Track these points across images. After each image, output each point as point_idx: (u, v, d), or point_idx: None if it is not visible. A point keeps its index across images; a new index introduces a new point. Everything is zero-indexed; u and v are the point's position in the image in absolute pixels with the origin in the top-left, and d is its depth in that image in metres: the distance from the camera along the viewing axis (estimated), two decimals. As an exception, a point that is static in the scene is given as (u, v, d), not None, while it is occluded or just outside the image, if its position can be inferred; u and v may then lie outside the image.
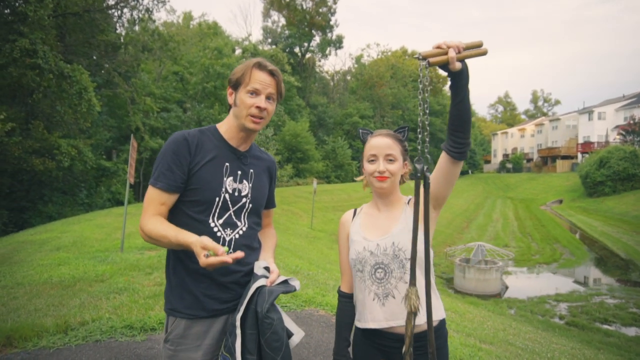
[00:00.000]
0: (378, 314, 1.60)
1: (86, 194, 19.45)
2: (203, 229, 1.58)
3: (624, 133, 36.39)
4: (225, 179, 1.64)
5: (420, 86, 1.30)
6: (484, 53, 1.33)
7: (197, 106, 30.24)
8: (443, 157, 1.50)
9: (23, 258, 6.94)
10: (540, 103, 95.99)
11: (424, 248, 1.41)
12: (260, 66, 1.65)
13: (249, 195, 1.70)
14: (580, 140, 46.88)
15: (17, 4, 14.51)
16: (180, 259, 1.62)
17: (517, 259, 16.49)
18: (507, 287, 13.48)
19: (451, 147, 1.46)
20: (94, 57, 21.93)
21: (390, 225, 1.66)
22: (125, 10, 22.02)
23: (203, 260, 1.36)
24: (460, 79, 1.33)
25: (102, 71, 22.21)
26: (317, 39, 45.15)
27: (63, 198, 18.28)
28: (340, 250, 1.83)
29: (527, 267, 15.93)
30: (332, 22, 45.19)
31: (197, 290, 1.60)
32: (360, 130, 1.78)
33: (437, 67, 1.31)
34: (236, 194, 1.66)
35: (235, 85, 1.65)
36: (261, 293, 1.52)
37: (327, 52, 46.21)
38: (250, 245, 1.70)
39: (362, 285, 1.65)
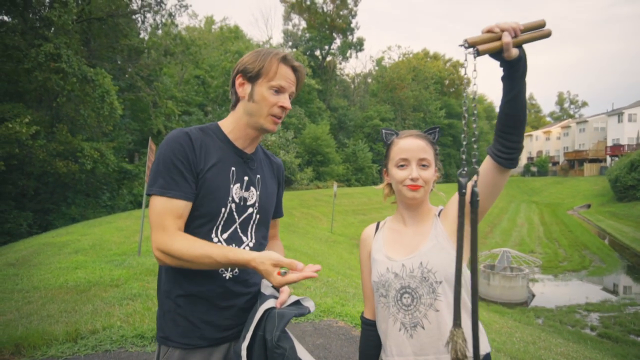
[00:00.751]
0: (405, 347, 1.36)
1: (108, 197, 19.69)
2: None
3: (656, 135, 35.02)
4: (232, 185, 1.40)
5: (465, 81, 1.05)
6: (547, 35, 1.07)
7: (218, 109, 30.42)
8: (488, 163, 1.26)
9: (42, 261, 6.94)
10: (566, 105, 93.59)
11: (453, 271, 1.19)
12: (286, 60, 1.42)
13: (257, 204, 1.48)
14: (610, 143, 45.36)
15: (42, 10, 14.80)
16: (176, 281, 1.39)
17: (544, 266, 15.91)
18: (533, 295, 12.98)
19: (499, 151, 1.21)
20: (118, 62, 22.30)
21: (419, 242, 1.42)
22: (148, 15, 22.35)
23: (279, 279, 1.16)
24: (516, 69, 1.08)
25: (126, 75, 22.55)
26: (337, 41, 44.98)
27: (86, 200, 18.54)
28: (362, 272, 1.59)
29: (554, 275, 15.34)
30: (352, 25, 44.94)
31: (193, 315, 1.37)
32: (384, 131, 1.53)
33: (487, 55, 1.06)
34: (242, 203, 1.43)
35: (253, 77, 1.40)
36: (270, 317, 1.28)
37: (348, 54, 45.97)
38: None
39: (386, 312, 1.41)
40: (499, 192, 1.31)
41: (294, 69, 1.44)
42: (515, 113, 1.14)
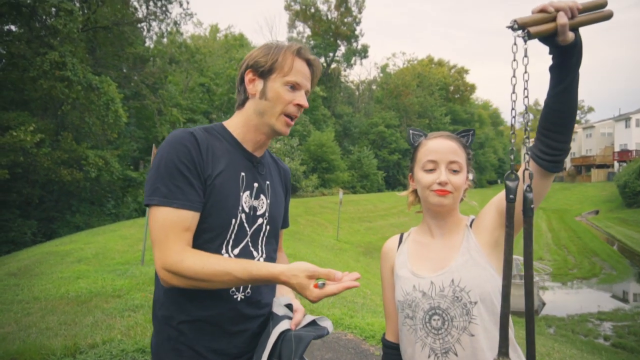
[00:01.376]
0: None
1: (113, 204, 19.65)
2: None
3: (664, 140, 34.66)
4: (241, 193, 1.24)
5: (514, 69, 0.90)
6: (609, 16, 0.92)
7: (223, 117, 30.45)
8: (530, 166, 1.10)
9: (44, 270, 6.83)
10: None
11: (496, 297, 1.04)
12: (301, 54, 1.27)
13: (266, 214, 1.31)
14: (617, 149, 44.96)
15: (48, 18, 14.86)
16: (179, 305, 1.20)
17: (554, 273, 15.63)
18: (544, 304, 12.71)
19: (543, 153, 1.06)
20: (123, 70, 22.37)
21: (448, 256, 1.26)
22: (153, 23, 22.46)
23: (316, 292, 1.01)
24: (570, 56, 0.93)
25: (131, 83, 22.60)
26: (342, 48, 45.04)
27: (90, 208, 18.51)
28: (384, 289, 1.43)
29: (564, 282, 15.06)
30: (357, 32, 45.03)
31: (200, 344, 1.19)
32: (411, 132, 1.37)
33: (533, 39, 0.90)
34: (252, 213, 1.27)
35: (266, 72, 1.24)
36: (286, 340, 1.13)
37: (353, 61, 46.00)
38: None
39: (413, 336, 1.25)
40: (542, 198, 1.14)
41: (309, 63, 1.29)
42: (564, 109, 1.00)
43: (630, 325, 10.49)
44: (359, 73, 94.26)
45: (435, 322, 1.21)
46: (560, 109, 1.00)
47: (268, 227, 1.32)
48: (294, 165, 28.16)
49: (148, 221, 1.17)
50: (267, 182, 1.34)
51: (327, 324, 1.23)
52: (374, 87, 50.12)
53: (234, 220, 1.21)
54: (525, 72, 0.88)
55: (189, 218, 1.13)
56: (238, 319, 1.23)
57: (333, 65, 44.71)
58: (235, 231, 1.22)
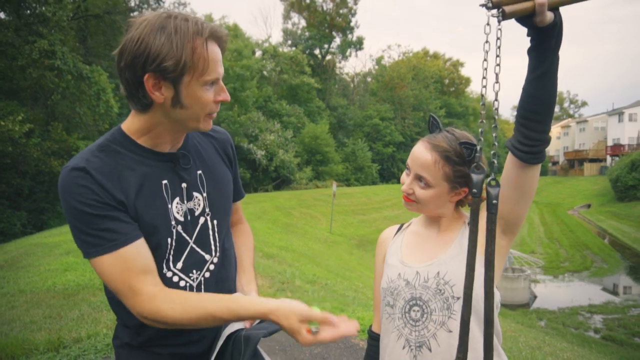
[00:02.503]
0: None
1: (105, 196, 19.52)
2: None
3: (657, 135, 34.92)
4: (169, 206, 1.07)
5: (486, 52, 0.81)
6: None
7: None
8: (509, 160, 1.03)
9: (31, 262, 6.73)
10: (566, 104, 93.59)
11: (482, 292, 0.98)
12: (214, 37, 1.00)
13: (207, 209, 1.16)
14: (610, 143, 45.27)
15: (37, 6, 14.59)
16: (130, 330, 1.14)
17: (546, 267, 15.75)
18: (535, 297, 12.80)
19: (520, 143, 0.98)
20: (115, 59, 22.11)
21: (439, 249, 1.21)
22: (146, 12, 22.14)
23: (309, 339, 0.91)
24: (549, 38, 0.86)
25: (123, 73, 22.35)
26: (337, 40, 44.77)
27: (82, 199, 18.37)
28: (376, 278, 1.38)
29: (556, 275, 15.16)
30: (352, 24, 44.75)
31: (157, 338, 1.13)
32: (430, 118, 1.25)
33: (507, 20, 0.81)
34: (189, 218, 1.11)
35: (176, 75, 0.96)
36: (236, 342, 1.06)
37: (348, 53, 45.76)
38: (224, 275, 1.20)
39: (391, 324, 1.21)
40: (531, 193, 1.07)
41: (218, 42, 1.03)
42: (542, 95, 0.92)
43: (620, 318, 10.59)
44: (354, 65, 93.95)
45: (415, 313, 1.17)
46: (539, 96, 0.93)
47: (215, 221, 1.18)
48: (288, 157, 28.06)
49: (99, 275, 1.04)
50: (199, 172, 1.16)
51: None
52: (369, 79, 49.94)
53: (169, 239, 1.08)
54: (498, 55, 0.81)
55: (135, 253, 0.99)
56: (195, 330, 1.15)
57: (328, 57, 44.49)
58: (173, 247, 1.09)
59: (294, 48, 40.90)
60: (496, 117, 0.85)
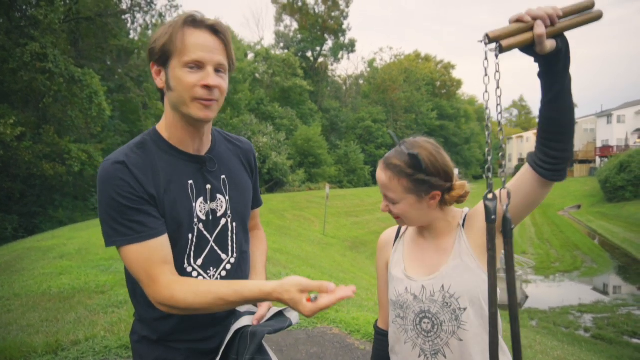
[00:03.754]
0: None
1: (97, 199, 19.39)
2: None
3: (644, 136, 35.40)
4: (194, 204, 1.16)
5: (486, 85, 0.83)
6: (597, 18, 0.86)
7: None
8: (528, 173, 1.06)
9: (25, 266, 6.71)
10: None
11: (483, 298, 1.04)
12: (195, 22, 1.07)
13: (228, 211, 1.24)
14: (599, 144, 45.82)
15: (28, 8, 14.51)
16: (149, 324, 1.21)
17: (537, 267, 15.91)
18: (527, 297, 12.93)
19: (542, 161, 1.01)
20: (107, 62, 21.99)
21: (440, 260, 1.24)
22: (138, 15, 22.06)
23: (309, 306, 0.96)
24: (554, 63, 0.87)
25: (115, 76, 22.24)
26: (329, 43, 44.88)
27: (74, 203, 18.23)
28: (379, 280, 1.44)
29: (547, 276, 15.33)
30: (344, 26, 44.87)
31: (174, 356, 1.21)
32: (388, 133, 1.37)
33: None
34: (211, 217, 1.20)
35: (163, 59, 1.08)
36: (242, 337, 1.13)
37: (340, 56, 45.87)
38: (240, 276, 1.28)
39: (403, 335, 1.27)
40: (536, 207, 1.12)
41: (212, 30, 1.08)
42: (559, 117, 0.95)
43: (610, 317, 10.73)
44: (346, 67, 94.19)
45: (426, 325, 1.22)
46: (555, 117, 0.96)
47: (234, 223, 1.26)
48: (281, 159, 28.05)
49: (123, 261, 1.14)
50: (223, 177, 1.24)
51: (292, 315, 1.21)
52: (361, 81, 50.09)
53: (190, 235, 1.16)
54: (498, 87, 0.84)
55: (159, 246, 1.08)
56: (209, 325, 1.22)
57: (320, 60, 44.58)
58: (194, 243, 1.17)
59: (286, 50, 40.95)
60: (503, 145, 0.88)
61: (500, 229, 1.15)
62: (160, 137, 1.17)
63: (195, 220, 1.17)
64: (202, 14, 1.09)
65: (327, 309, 0.97)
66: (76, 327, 3.78)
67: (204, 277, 1.19)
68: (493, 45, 0.81)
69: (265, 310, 1.20)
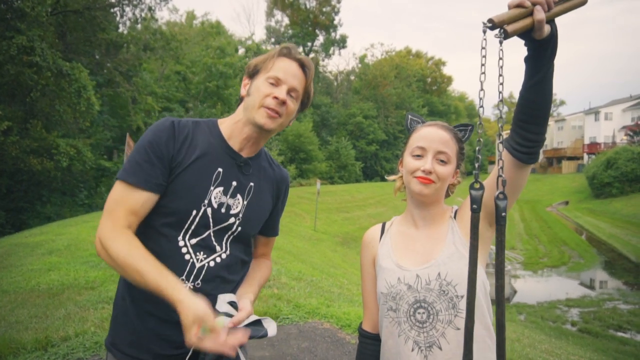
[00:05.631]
0: None
1: (86, 195, 19.17)
2: (168, 247, 1.21)
3: (631, 134, 35.89)
4: (212, 187, 1.24)
5: (482, 73, 0.84)
6: (583, 2, 0.90)
7: (200, 106, 29.99)
8: (506, 158, 1.09)
9: (13, 262, 6.63)
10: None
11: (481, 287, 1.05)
12: (288, 54, 1.30)
13: (240, 215, 1.30)
14: (587, 141, 46.37)
15: (14, 0, 14.25)
16: (129, 285, 1.23)
17: (525, 262, 16.12)
18: (515, 292, 13.10)
19: (518, 144, 1.05)
20: (96, 56, 21.69)
21: (434, 248, 1.24)
22: (127, 8, 21.78)
23: (193, 340, 0.99)
24: (546, 49, 0.91)
25: (104, 70, 21.95)
26: (320, 38, 44.86)
27: (62, 199, 18.01)
28: (364, 279, 1.41)
29: (535, 271, 15.53)
30: (335, 22, 44.85)
31: (144, 326, 1.22)
32: (409, 116, 1.36)
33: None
34: (223, 210, 1.26)
35: (253, 74, 1.32)
36: None
37: (331, 51, 45.87)
38: (226, 277, 1.29)
39: (396, 329, 1.23)
40: (520, 190, 1.14)
41: (300, 63, 1.31)
42: (539, 100, 0.98)
43: (596, 311, 10.92)
44: (337, 63, 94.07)
45: (420, 315, 1.20)
46: (536, 101, 0.99)
47: (239, 228, 1.30)
48: (272, 155, 27.98)
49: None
50: (252, 184, 1.33)
51: (270, 326, 1.21)
52: (352, 77, 50.12)
53: (194, 212, 1.22)
54: (500, 75, 0.84)
55: (141, 199, 1.16)
56: None
57: (311, 55, 44.47)
58: (196, 223, 1.23)
59: (277, 46, 40.78)
60: (501, 123, 0.90)
61: (488, 218, 1.17)
62: (215, 125, 1.33)
63: (206, 202, 1.23)
64: (296, 48, 1.34)
65: (206, 350, 1.00)
66: (66, 323, 3.75)
67: (191, 256, 1.22)
68: (497, 31, 0.81)
69: (244, 316, 1.20)
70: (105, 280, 5.22)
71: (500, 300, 0.84)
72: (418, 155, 1.25)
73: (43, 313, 4.08)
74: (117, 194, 1.17)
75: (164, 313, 1.20)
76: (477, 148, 0.90)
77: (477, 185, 0.89)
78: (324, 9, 43.79)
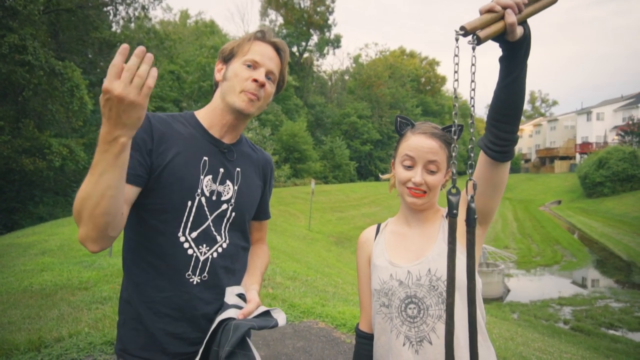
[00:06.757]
0: None
1: (79, 194, 19.04)
2: (168, 245, 1.19)
3: (622, 134, 36.23)
4: (202, 177, 1.23)
5: (455, 78, 0.84)
6: (554, 1, 0.90)
7: (194, 105, 29.86)
8: (481, 158, 1.12)
9: (5, 263, 6.58)
10: (538, 104, 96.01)
11: (465, 278, 1.06)
12: (264, 37, 1.30)
13: (232, 200, 1.30)
14: (579, 141, 46.75)
15: (6, -1, 14.13)
16: (137, 286, 1.22)
17: (518, 261, 16.21)
18: (509, 291, 13.18)
19: (492, 143, 1.06)
20: (89, 55, 21.56)
21: (425, 246, 1.27)
22: (120, 7, 21.67)
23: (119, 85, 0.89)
24: (519, 49, 0.91)
25: (97, 69, 21.82)
26: (315, 38, 44.82)
27: (55, 199, 17.89)
28: (360, 279, 1.43)
29: (528, 270, 15.63)
30: (330, 22, 44.82)
31: (156, 326, 1.20)
32: (398, 119, 1.35)
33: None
34: (214, 197, 1.26)
35: (228, 58, 1.30)
36: (225, 329, 1.11)
37: (325, 51, 45.83)
38: (230, 267, 1.30)
39: (388, 324, 1.26)
40: (502, 188, 1.16)
41: (275, 46, 1.31)
42: (513, 99, 0.99)
43: (588, 310, 11.01)
44: (331, 63, 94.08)
45: (411, 310, 1.22)
46: (509, 100, 1.00)
47: (233, 213, 1.30)
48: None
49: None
50: (238, 169, 1.33)
51: (279, 316, 1.21)
52: (346, 77, 50.15)
53: (189, 203, 1.21)
54: (473, 80, 0.85)
55: None
56: (195, 303, 1.22)
57: (305, 55, 44.45)
58: (193, 214, 1.22)
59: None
60: (472, 129, 0.90)
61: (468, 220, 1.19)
62: (192, 116, 1.32)
63: (199, 191, 1.22)
64: (271, 31, 1.33)
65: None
66: (59, 323, 3.73)
67: (194, 251, 1.22)
68: (470, 38, 0.81)
69: (253, 307, 1.20)
70: (98, 281, 5.19)
71: (471, 300, 0.87)
72: (408, 166, 1.27)
73: (36, 314, 4.05)
74: None
75: (175, 311, 1.20)
76: (454, 154, 0.92)
77: (454, 191, 0.89)
78: (318, 9, 43.75)
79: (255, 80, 1.24)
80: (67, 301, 4.43)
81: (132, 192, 1.14)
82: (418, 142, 1.26)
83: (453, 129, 0.94)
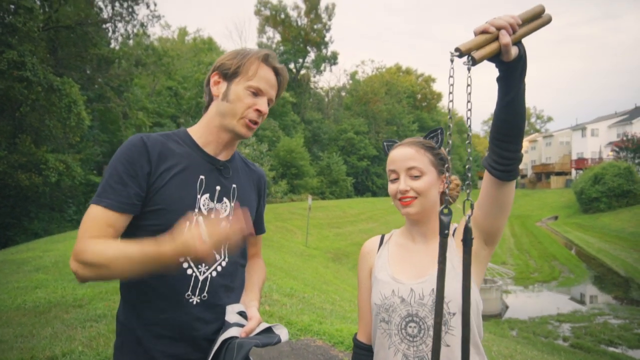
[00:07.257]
0: None
1: (75, 210, 18.94)
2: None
3: (617, 149, 36.51)
4: (199, 196, 1.23)
5: (450, 99, 0.85)
6: (548, 22, 0.92)
7: (191, 121, 29.95)
8: (486, 177, 1.11)
9: (-2, 280, 6.49)
10: (533, 120, 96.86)
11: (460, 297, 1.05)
12: (268, 61, 1.29)
13: (230, 217, 1.29)
14: (574, 157, 47.07)
15: (6, 16, 14.26)
16: (134, 309, 1.20)
17: (516, 277, 16.14)
18: (507, 307, 13.09)
19: (496, 162, 1.06)
20: (87, 71, 21.69)
21: (429, 264, 1.24)
22: (119, 24, 21.90)
23: (203, 247, 1.03)
24: (515, 69, 0.91)
25: (95, 85, 21.93)
26: (312, 55, 45.25)
27: (50, 214, 17.78)
28: (360, 289, 1.42)
29: (526, 286, 15.56)
30: (327, 39, 45.34)
31: (156, 349, 1.18)
32: (384, 143, 1.38)
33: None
34: (212, 216, 1.25)
35: (231, 75, 1.26)
36: (229, 348, 1.11)
37: (322, 68, 46.24)
38: (230, 285, 1.29)
39: (387, 340, 1.24)
40: (508, 209, 1.15)
41: (277, 72, 1.31)
42: (512, 119, 0.99)
43: (587, 326, 10.93)
44: (328, 80, 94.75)
45: (412, 329, 1.20)
46: (509, 119, 1.00)
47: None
48: (263, 170, 27.99)
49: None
50: (234, 186, 1.33)
51: (282, 332, 1.21)
52: (343, 93, 50.55)
53: (188, 223, 1.18)
54: (469, 101, 0.86)
55: (113, 217, 1.13)
56: (195, 324, 1.20)
57: (303, 72, 44.84)
58: None
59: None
60: (469, 149, 0.91)
61: (483, 237, 1.18)
62: (186, 134, 1.31)
63: (196, 211, 1.21)
64: (275, 55, 1.33)
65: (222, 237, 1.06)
66: (52, 342, 3.67)
67: (193, 270, 1.21)
68: (465, 59, 0.82)
69: (255, 324, 1.20)
70: (93, 298, 5.13)
71: (465, 323, 0.89)
72: (394, 179, 1.29)
73: (29, 332, 3.98)
74: (90, 216, 1.14)
75: (175, 332, 1.19)
76: (446, 174, 0.91)
77: (446, 211, 0.91)
78: (315, 26, 44.31)
79: (257, 110, 1.25)
80: (60, 319, 4.37)
81: (126, 221, 1.17)
82: (395, 154, 1.29)
83: (436, 132, 0.95)
